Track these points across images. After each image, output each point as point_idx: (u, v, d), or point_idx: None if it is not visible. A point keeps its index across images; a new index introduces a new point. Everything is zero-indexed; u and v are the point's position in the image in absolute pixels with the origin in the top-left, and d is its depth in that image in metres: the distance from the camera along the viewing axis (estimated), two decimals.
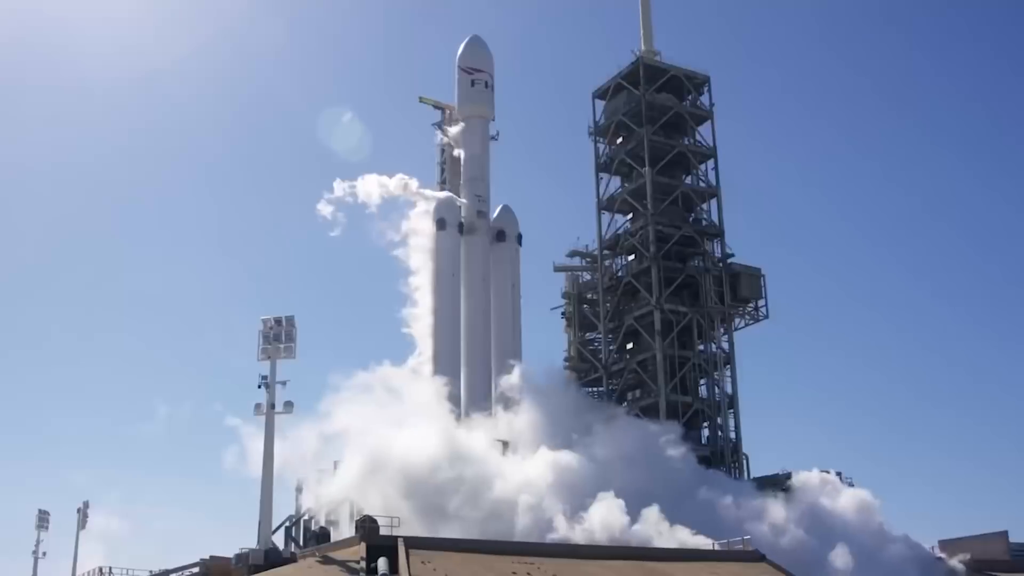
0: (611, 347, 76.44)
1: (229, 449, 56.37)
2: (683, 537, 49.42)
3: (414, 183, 69.72)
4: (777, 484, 64.60)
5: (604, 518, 50.16)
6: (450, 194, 71.82)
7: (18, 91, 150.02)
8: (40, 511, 66.14)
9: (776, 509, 58.31)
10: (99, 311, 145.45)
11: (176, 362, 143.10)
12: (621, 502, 50.71)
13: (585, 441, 58.78)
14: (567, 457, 56.05)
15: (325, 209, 67.02)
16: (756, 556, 46.68)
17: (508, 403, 63.31)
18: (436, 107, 78.48)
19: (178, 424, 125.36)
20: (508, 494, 52.68)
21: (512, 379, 63.14)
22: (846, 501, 62.46)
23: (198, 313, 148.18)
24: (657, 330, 71.33)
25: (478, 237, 69.76)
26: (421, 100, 78.97)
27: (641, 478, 54.80)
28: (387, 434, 54.97)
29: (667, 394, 70.12)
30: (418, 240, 69.56)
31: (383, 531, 42.72)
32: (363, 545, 40.66)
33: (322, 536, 51.08)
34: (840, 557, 52.94)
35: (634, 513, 50.92)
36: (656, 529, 50.28)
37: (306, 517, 57.85)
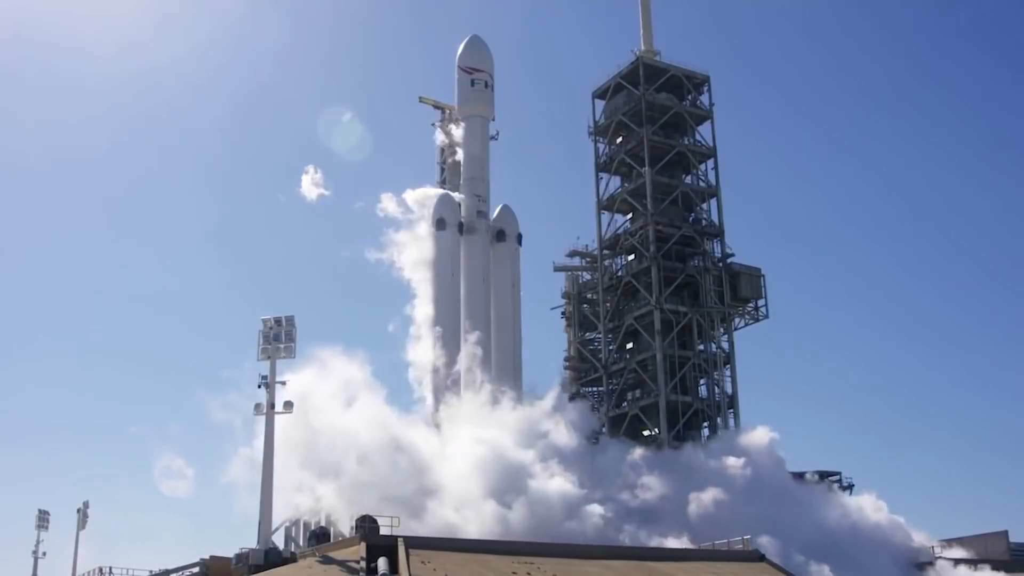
0: (611, 347, 76.47)
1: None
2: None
3: (319, 176, 70.34)
4: None
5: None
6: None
7: (18, 91, 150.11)
8: (40, 511, 66.04)
9: (637, 454, 62.27)
10: (99, 311, 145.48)
11: (176, 362, 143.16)
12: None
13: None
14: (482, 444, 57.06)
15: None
16: (756, 556, 46.77)
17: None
18: (436, 107, 78.53)
19: (177, 423, 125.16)
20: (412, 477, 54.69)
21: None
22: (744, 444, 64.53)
23: (198, 313, 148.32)
24: (657, 330, 71.36)
25: (478, 237, 69.73)
26: (421, 100, 79.13)
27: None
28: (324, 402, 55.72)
29: (667, 394, 70.18)
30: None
31: (383, 531, 42.77)
32: (363, 545, 40.70)
33: (322, 536, 51.04)
34: (699, 500, 56.37)
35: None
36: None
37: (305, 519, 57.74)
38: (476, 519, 51.51)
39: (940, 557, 60.65)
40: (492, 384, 63.21)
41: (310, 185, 69.58)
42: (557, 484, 54.33)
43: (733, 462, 61.25)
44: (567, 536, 49.66)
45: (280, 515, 53.62)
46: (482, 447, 55.53)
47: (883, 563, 56.35)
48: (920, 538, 63.47)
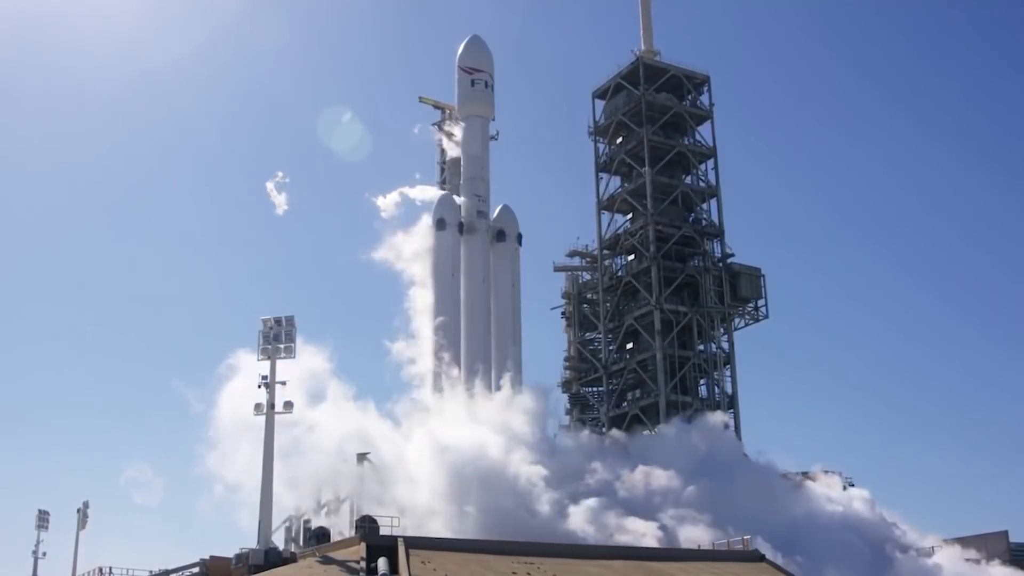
0: (611, 347, 76.45)
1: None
2: None
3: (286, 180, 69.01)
4: None
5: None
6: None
7: (18, 91, 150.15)
8: (40, 511, 66.03)
9: (585, 435, 66.44)
10: (99, 311, 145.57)
11: (176, 361, 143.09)
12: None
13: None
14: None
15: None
16: (756, 556, 46.76)
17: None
18: (436, 107, 78.42)
19: (177, 423, 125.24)
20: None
21: None
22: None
23: (198, 313, 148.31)
24: (657, 330, 71.36)
25: (478, 237, 69.70)
26: (421, 100, 79.00)
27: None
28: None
29: (667, 394, 70.19)
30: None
31: (383, 531, 42.77)
32: (363, 545, 40.70)
33: (322, 536, 51.04)
34: (630, 477, 58.07)
35: None
36: None
37: (305, 517, 57.70)
38: (439, 514, 51.93)
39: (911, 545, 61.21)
40: (462, 374, 63.96)
41: (276, 195, 67.45)
42: (511, 472, 54.71)
43: (682, 444, 62.48)
44: (519, 523, 50.34)
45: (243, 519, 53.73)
46: (435, 440, 55.73)
47: (824, 532, 57.22)
48: (890, 516, 64.37)
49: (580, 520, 52.61)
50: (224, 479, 54.05)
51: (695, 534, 51.58)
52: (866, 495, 64.93)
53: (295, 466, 54.71)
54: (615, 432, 68.22)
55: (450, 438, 55.70)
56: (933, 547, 61.24)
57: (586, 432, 65.88)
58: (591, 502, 54.15)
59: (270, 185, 66.61)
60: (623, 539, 50.50)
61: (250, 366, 49.65)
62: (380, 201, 69.67)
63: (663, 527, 52.69)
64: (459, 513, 51.56)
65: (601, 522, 52.38)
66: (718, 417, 67.53)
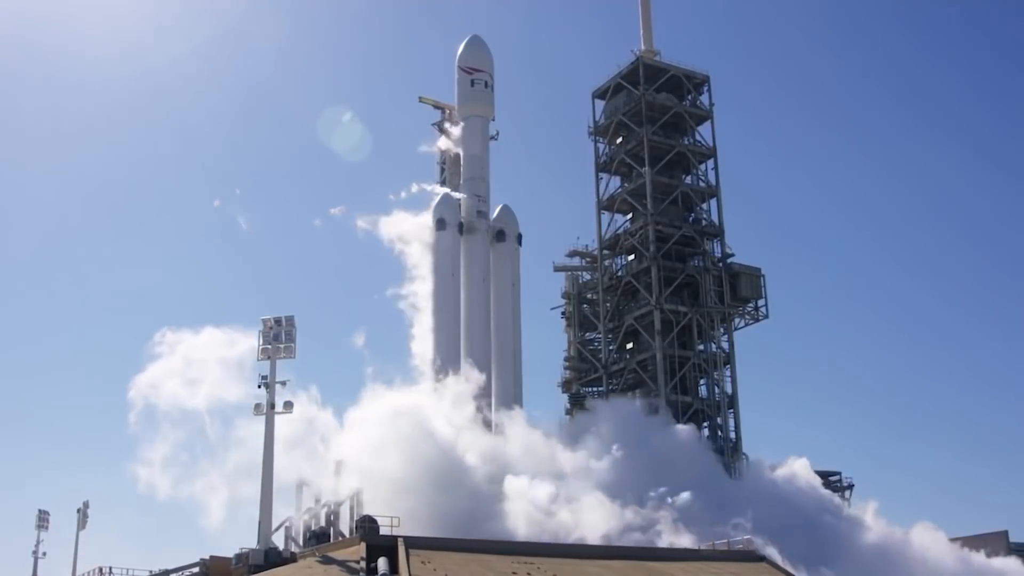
0: (611, 347, 76.44)
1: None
2: None
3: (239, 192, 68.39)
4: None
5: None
6: None
7: (18, 91, 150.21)
8: (40, 511, 66.06)
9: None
10: (98, 310, 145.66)
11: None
12: None
13: None
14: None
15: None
16: (756, 556, 46.80)
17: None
18: (436, 107, 78.38)
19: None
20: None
21: None
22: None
23: (198, 313, 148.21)
24: (657, 330, 71.36)
25: (478, 237, 69.71)
26: (421, 100, 78.94)
27: None
28: None
29: (667, 394, 70.17)
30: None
31: (383, 531, 42.77)
32: (363, 545, 40.70)
33: (322, 536, 51.00)
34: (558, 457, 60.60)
35: None
36: None
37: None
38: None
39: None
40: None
41: (234, 215, 67.21)
42: (447, 458, 55.10)
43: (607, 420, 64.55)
44: (449, 507, 50.88)
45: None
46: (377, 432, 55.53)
47: (739, 488, 60.07)
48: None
49: (514, 501, 53.77)
50: (140, 476, 54.07)
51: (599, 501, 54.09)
52: (804, 462, 66.56)
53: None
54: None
55: (381, 427, 55.60)
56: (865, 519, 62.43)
57: (522, 416, 66.44)
58: (521, 480, 54.99)
59: (217, 202, 65.51)
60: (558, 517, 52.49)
61: (178, 345, 50.69)
62: (379, 201, 69.81)
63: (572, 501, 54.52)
64: (393, 501, 51.16)
65: (530, 503, 53.75)
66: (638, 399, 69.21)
